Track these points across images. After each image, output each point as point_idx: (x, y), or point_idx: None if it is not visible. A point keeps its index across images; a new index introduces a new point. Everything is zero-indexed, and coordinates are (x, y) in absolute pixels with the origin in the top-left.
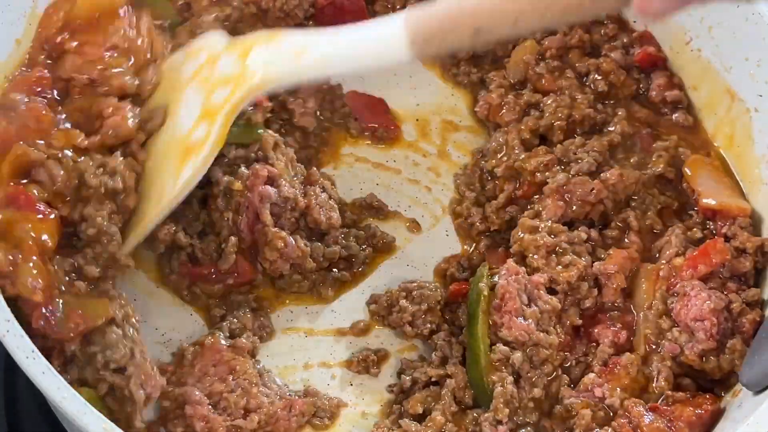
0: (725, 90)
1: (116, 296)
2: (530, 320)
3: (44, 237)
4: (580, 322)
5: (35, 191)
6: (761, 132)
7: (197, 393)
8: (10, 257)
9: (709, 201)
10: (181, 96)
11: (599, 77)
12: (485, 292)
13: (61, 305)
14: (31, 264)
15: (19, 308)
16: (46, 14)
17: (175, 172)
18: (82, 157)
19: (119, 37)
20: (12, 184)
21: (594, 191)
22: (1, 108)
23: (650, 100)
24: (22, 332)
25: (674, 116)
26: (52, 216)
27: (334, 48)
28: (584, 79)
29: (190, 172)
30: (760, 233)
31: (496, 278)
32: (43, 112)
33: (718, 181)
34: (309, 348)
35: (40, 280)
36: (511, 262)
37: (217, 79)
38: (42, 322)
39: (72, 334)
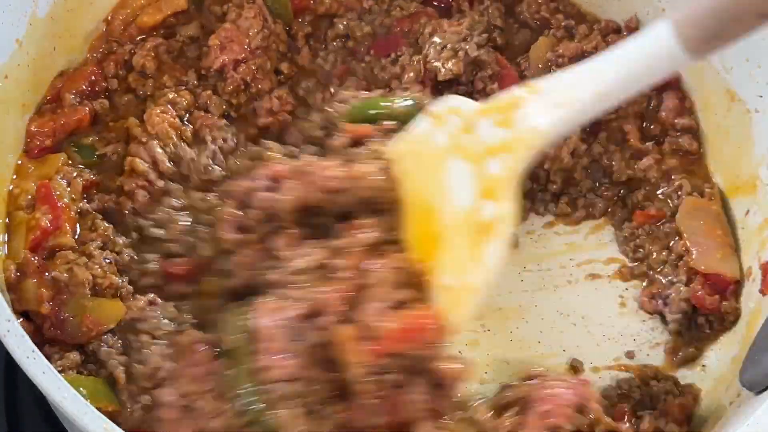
0: (726, 91)
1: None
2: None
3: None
4: None
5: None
6: (761, 133)
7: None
8: (17, 272)
9: (698, 265)
10: (443, 168)
11: None
12: None
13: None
14: (34, 279)
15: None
16: None
17: (471, 254)
18: None
19: None
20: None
21: None
22: None
23: (659, 119)
24: (23, 332)
25: (680, 139)
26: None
27: (604, 81)
28: None
29: (497, 254)
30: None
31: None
32: None
33: (710, 235)
34: None
35: (44, 291)
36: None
37: (485, 148)
38: (56, 332)
39: (85, 339)
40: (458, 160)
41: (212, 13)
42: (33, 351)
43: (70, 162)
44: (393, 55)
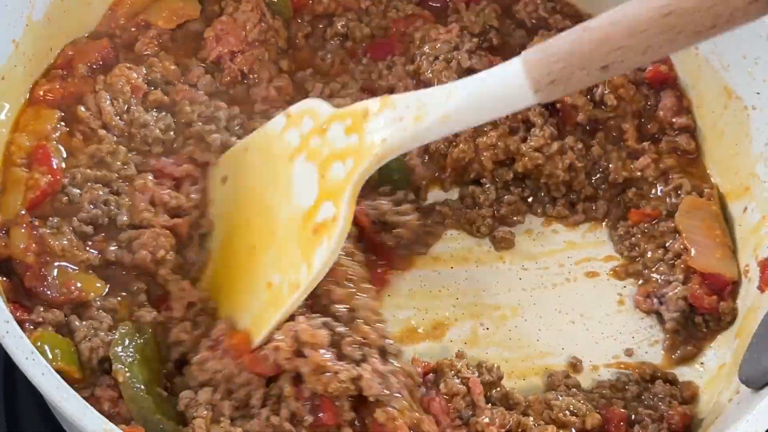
0: (723, 88)
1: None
2: None
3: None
4: None
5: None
6: (759, 130)
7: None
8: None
9: (697, 264)
10: (290, 167)
11: (608, 90)
12: None
13: (56, 272)
14: (23, 229)
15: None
16: None
17: (305, 256)
18: None
19: None
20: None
21: None
22: None
23: (657, 118)
24: (21, 333)
25: (677, 138)
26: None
27: (454, 105)
28: (592, 91)
29: (326, 255)
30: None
31: None
32: None
33: (709, 235)
34: None
35: (34, 244)
36: None
37: (331, 151)
38: (35, 283)
39: (63, 299)
40: (305, 161)
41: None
42: (32, 352)
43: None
44: (388, 59)
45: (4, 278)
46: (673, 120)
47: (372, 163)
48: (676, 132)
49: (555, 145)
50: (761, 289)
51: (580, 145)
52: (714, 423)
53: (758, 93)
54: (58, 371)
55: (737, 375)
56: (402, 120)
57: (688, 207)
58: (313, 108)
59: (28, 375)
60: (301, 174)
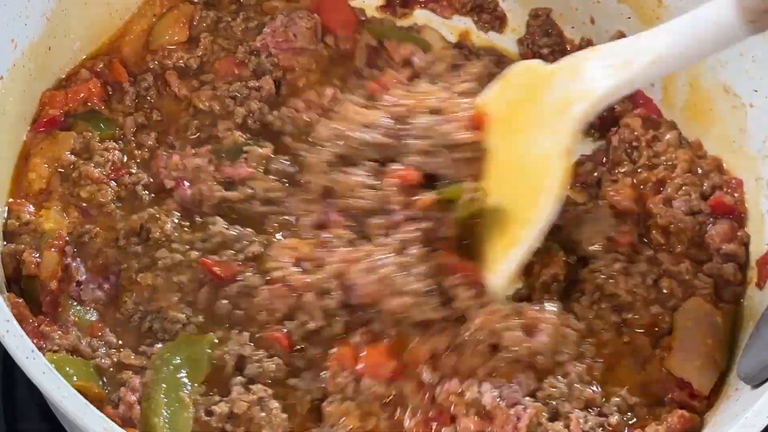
0: (720, 86)
1: None
2: None
3: None
4: None
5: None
6: (757, 127)
7: None
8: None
9: (673, 364)
10: (527, 125)
11: (654, 231)
12: None
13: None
14: (54, 250)
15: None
16: None
17: (539, 195)
18: None
19: None
20: None
21: None
22: None
23: (703, 241)
24: (22, 332)
25: (724, 266)
26: None
27: (665, 47)
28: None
29: (557, 193)
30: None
31: None
32: None
33: (700, 341)
34: None
35: (60, 272)
36: None
37: (558, 102)
38: (50, 311)
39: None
40: (537, 117)
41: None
42: (32, 351)
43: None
44: None
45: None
46: (724, 246)
47: (590, 110)
48: (725, 259)
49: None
50: (759, 285)
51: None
52: (712, 419)
53: (756, 90)
54: (78, 390)
55: (736, 371)
56: (615, 67)
57: (692, 307)
58: (531, 69)
59: (29, 374)
60: (539, 127)
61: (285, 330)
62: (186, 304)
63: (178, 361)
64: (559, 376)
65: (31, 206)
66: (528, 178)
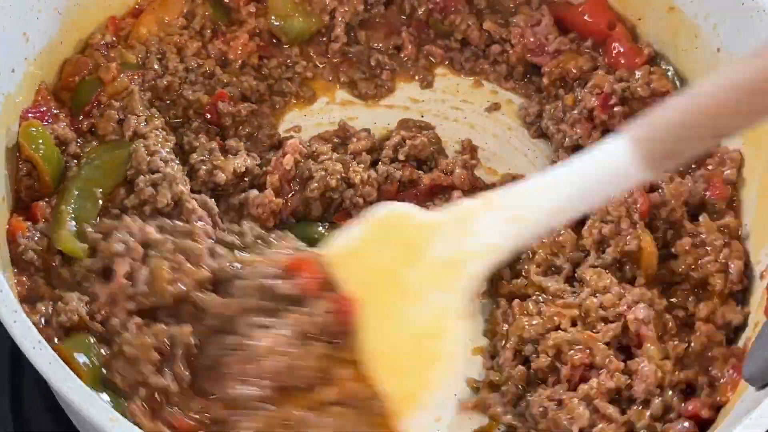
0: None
1: None
2: None
3: None
4: None
5: None
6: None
7: None
8: None
9: None
10: (409, 285)
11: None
12: None
13: None
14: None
15: None
16: None
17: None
18: None
19: None
20: None
21: None
22: None
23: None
24: (29, 323)
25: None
26: None
27: (560, 197)
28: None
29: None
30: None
31: None
32: None
33: None
34: None
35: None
36: None
37: (447, 259)
38: None
39: None
40: (415, 272)
41: None
42: (39, 341)
43: None
44: None
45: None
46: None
47: (489, 264)
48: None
49: None
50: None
51: None
52: (716, 421)
53: None
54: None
55: (741, 373)
56: (508, 220)
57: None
58: (406, 214)
59: (36, 364)
60: (416, 287)
61: None
62: None
63: (97, 162)
64: None
65: None
66: (419, 346)
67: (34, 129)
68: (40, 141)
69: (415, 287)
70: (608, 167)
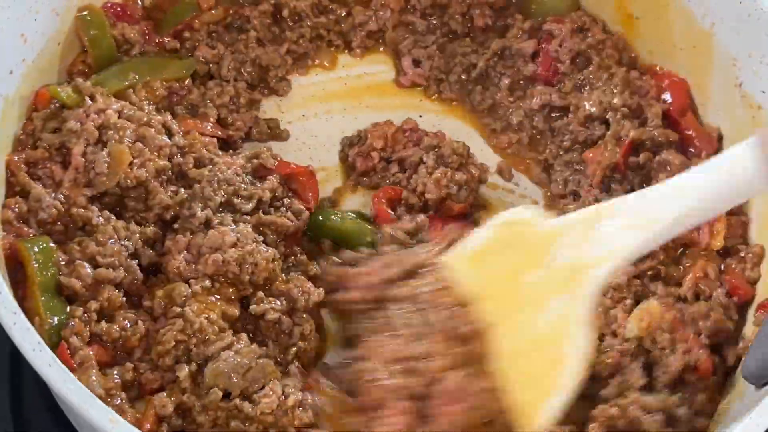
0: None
1: None
2: None
3: None
4: None
5: None
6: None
7: None
8: None
9: None
10: (533, 291)
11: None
12: None
13: None
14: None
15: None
16: None
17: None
18: None
19: None
20: None
21: None
22: None
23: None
24: (29, 325)
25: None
26: None
27: (687, 205)
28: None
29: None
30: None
31: None
32: None
33: None
34: None
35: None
36: None
37: (571, 266)
38: None
39: None
40: (538, 277)
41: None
42: (39, 343)
43: None
44: None
45: None
46: None
47: (614, 270)
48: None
49: None
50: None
51: None
52: (716, 419)
53: (763, 92)
54: None
55: (740, 372)
56: (636, 226)
57: None
58: (527, 219)
59: (35, 366)
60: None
61: None
62: None
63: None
64: None
65: None
66: (543, 350)
67: (88, 16)
68: (93, 27)
69: (537, 293)
70: (733, 173)
